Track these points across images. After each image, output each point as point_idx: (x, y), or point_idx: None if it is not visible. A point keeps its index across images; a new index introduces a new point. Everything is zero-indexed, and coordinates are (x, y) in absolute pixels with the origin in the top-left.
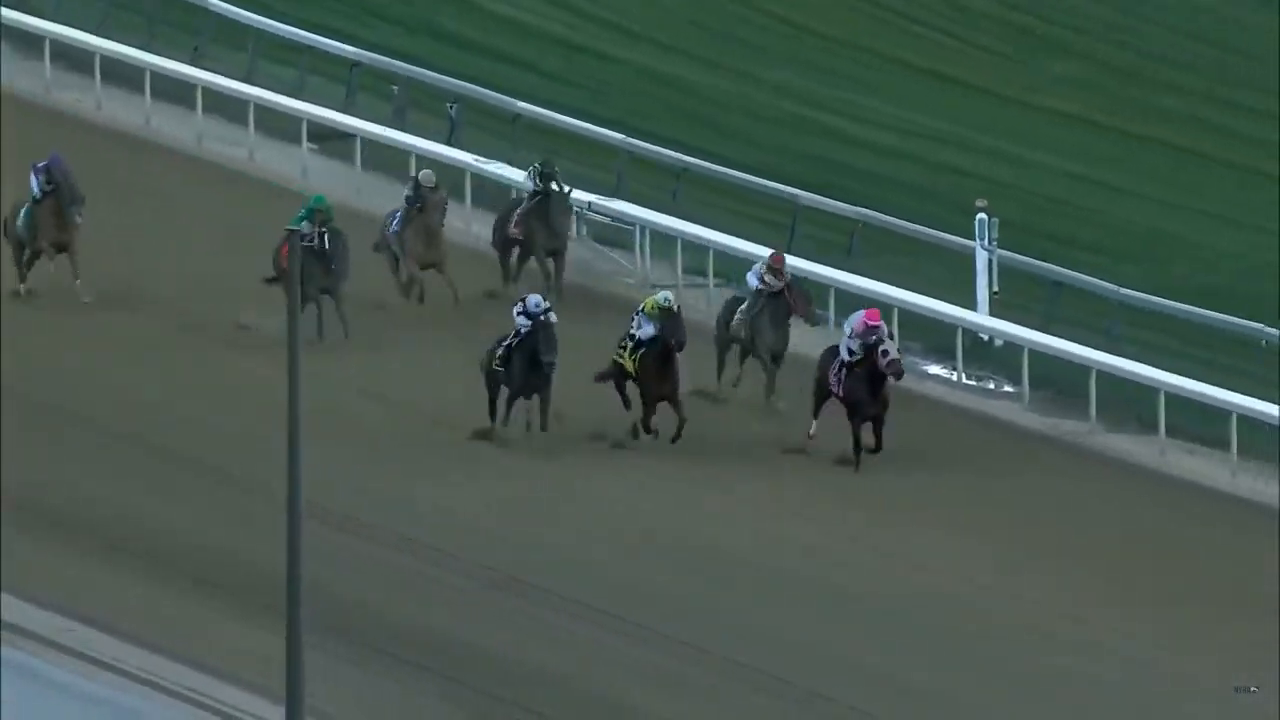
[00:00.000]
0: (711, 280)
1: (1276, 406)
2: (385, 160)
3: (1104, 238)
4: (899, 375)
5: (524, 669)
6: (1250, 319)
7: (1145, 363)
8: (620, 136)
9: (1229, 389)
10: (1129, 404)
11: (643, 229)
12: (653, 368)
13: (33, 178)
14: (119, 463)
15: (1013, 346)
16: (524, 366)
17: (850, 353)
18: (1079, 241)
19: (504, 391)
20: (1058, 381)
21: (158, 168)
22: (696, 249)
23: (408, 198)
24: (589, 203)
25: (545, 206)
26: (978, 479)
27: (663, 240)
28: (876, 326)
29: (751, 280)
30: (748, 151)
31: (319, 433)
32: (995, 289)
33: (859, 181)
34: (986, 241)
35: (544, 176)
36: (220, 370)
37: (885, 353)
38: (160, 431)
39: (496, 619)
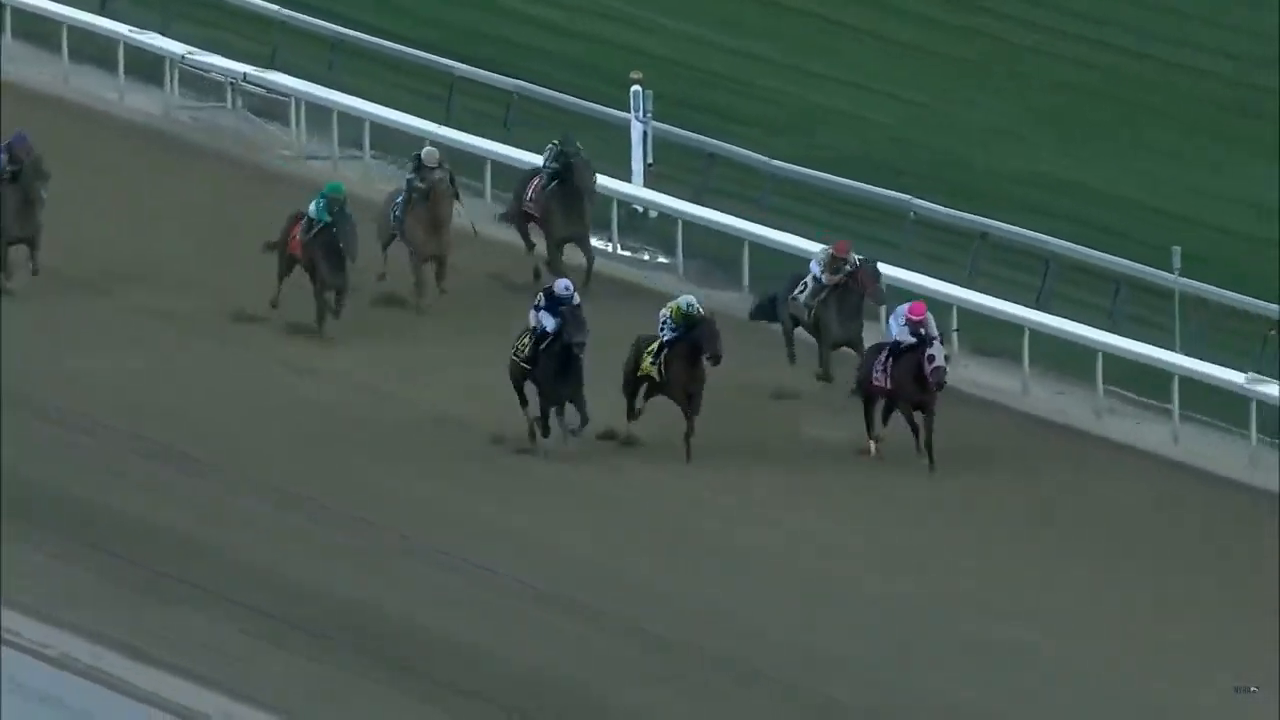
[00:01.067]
0: (367, 152)
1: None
2: (33, 30)
3: (756, 110)
4: (941, 385)
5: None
6: (899, 190)
7: (796, 233)
8: (275, 7)
9: (878, 259)
10: (782, 274)
11: (298, 101)
12: (681, 365)
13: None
14: None
15: (667, 218)
16: (550, 364)
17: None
18: (732, 114)
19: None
20: (712, 253)
21: None
22: (353, 121)
23: (409, 180)
24: (244, 74)
25: (564, 191)
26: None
27: (319, 112)
28: (920, 320)
29: (814, 269)
30: (404, 23)
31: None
32: (650, 161)
33: (515, 54)
34: (641, 114)
35: (563, 156)
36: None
37: (932, 358)
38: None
39: (183, 503)
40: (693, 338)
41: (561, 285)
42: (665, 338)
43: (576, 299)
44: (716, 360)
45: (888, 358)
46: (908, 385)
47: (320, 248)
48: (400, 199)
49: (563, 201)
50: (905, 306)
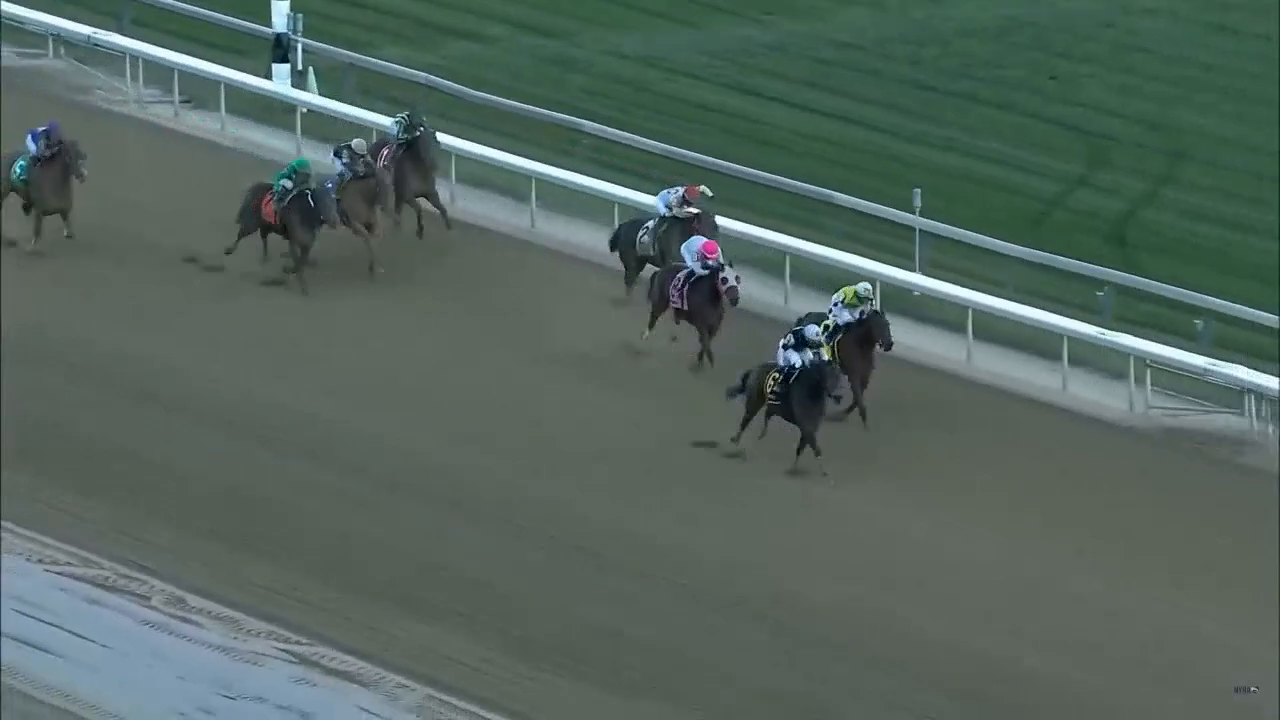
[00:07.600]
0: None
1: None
2: None
3: None
4: (736, 301)
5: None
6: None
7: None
8: None
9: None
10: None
11: None
12: (854, 350)
13: (30, 140)
14: None
15: None
16: (804, 399)
17: (696, 269)
18: None
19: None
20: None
21: None
22: None
23: (346, 164)
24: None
25: (414, 152)
26: None
27: None
28: (714, 257)
29: (660, 206)
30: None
31: None
32: None
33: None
34: None
35: (411, 126)
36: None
37: (725, 280)
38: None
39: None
40: (866, 326)
41: (811, 330)
42: (839, 321)
43: (825, 354)
44: (888, 347)
45: (684, 284)
46: (704, 308)
47: (296, 213)
48: (333, 182)
49: (413, 164)
50: (700, 242)
